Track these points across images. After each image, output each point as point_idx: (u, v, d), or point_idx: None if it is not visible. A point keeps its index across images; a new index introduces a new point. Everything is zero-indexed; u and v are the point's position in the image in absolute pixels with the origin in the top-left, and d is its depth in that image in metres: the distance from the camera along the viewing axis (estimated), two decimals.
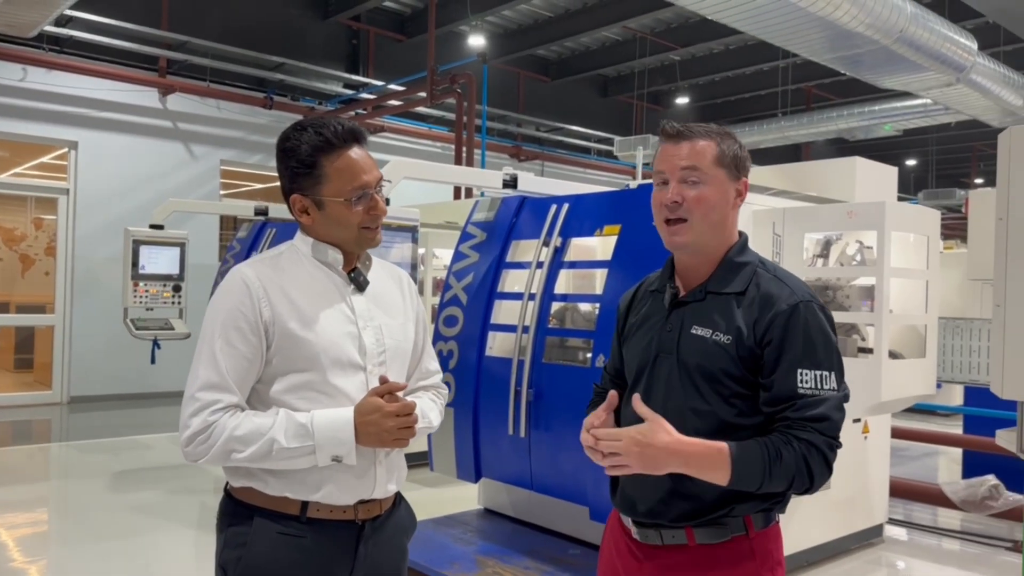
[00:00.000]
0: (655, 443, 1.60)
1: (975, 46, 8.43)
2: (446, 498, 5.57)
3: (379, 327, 1.92)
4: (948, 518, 5.64)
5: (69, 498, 6.07)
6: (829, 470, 1.64)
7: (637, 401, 1.68)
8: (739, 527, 1.72)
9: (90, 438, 8.01)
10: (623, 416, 1.81)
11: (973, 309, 6.07)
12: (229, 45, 10.89)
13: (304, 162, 1.82)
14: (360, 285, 1.92)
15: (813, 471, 1.61)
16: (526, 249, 4.51)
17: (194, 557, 4.88)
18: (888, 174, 5.19)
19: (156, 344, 7.21)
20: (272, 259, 1.91)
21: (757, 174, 5.02)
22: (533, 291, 4.21)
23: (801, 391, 1.64)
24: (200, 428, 1.74)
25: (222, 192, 11.58)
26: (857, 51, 7.59)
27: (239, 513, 1.85)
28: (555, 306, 4.33)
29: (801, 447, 1.60)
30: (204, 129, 11.05)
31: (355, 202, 1.84)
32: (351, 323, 1.87)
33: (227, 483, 1.90)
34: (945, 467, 7.61)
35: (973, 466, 6.11)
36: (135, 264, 7.12)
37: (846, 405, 1.71)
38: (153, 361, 7.25)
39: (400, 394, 1.84)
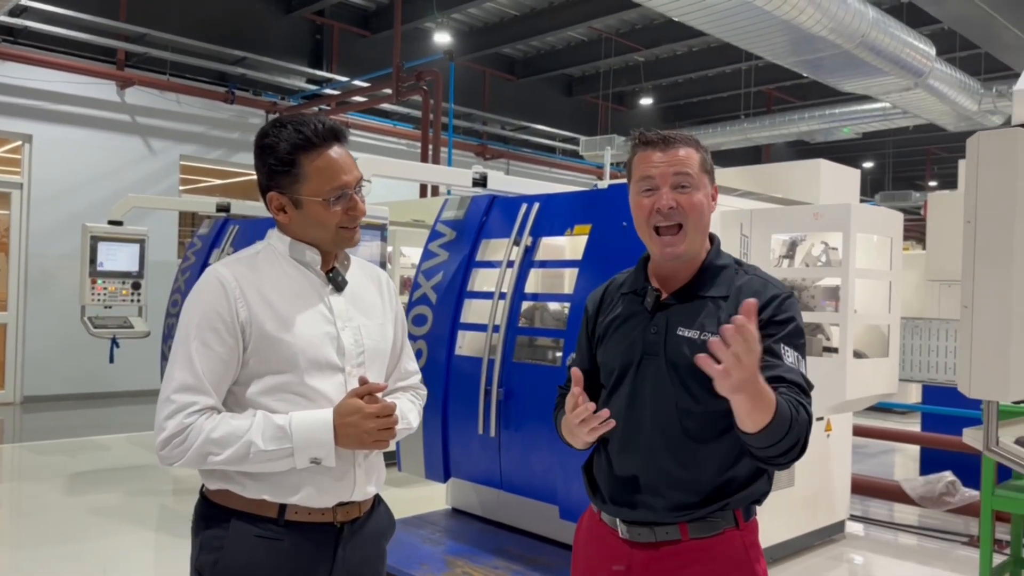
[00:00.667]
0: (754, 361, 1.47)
1: (933, 51, 8.62)
2: (413, 498, 5.54)
3: (358, 328, 1.90)
4: (906, 514, 5.76)
5: (23, 500, 5.91)
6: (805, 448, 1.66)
7: (728, 334, 1.47)
8: (730, 520, 1.75)
9: (45, 439, 7.81)
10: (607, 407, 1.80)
11: (931, 309, 6.21)
12: (189, 38, 10.71)
13: (282, 160, 1.80)
14: (338, 285, 1.90)
15: (806, 442, 1.63)
16: (496, 248, 4.50)
17: (153, 560, 4.79)
18: (851, 176, 5.28)
19: (115, 343, 7.05)
20: (248, 258, 1.88)
21: (724, 176, 5.07)
22: (504, 290, 4.20)
23: (788, 363, 1.68)
24: (176, 431, 1.71)
25: (181, 188, 11.38)
26: (820, 55, 7.72)
27: (215, 516, 1.81)
28: (524, 305, 4.33)
29: (804, 414, 1.61)
30: (163, 123, 10.84)
31: (333, 202, 1.82)
32: (329, 324, 1.85)
33: (203, 485, 1.86)
34: (901, 464, 7.77)
35: (931, 463, 6.25)
36: (93, 261, 6.94)
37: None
38: (112, 360, 7.09)
39: (379, 395, 1.82)
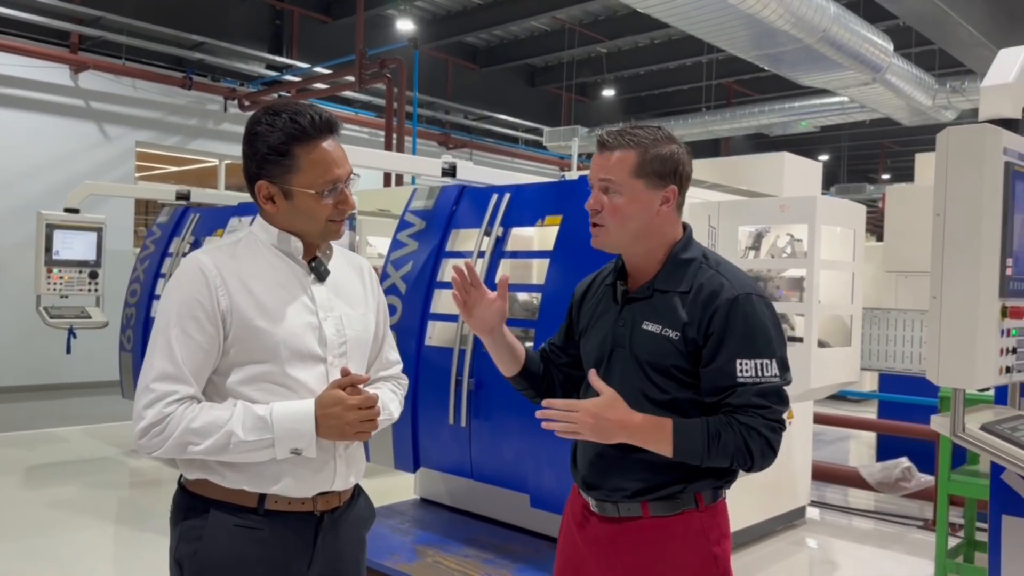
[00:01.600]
0: (608, 416, 1.74)
1: (891, 47, 8.79)
2: (380, 488, 5.49)
3: (340, 318, 1.89)
4: (862, 499, 5.91)
5: None
6: (773, 451, 1.76)
7: (594, 376, 1.80)
8: (690, 501, 1.83)
9: (1, 431, 7.61)
10: (584, 398, 1.88)
11: (888, 300, 6.36)
12: (146, 22, 10.47)
13: (276, 149, 1.77)
14: (320, 275, 1.89)
15: (753, 452, 1.73)
16: (466, 238, 4.49)
17: (112, 554, 4.72)
18: (813, 169, 5.38)
19: (72, 333, 6.90)
20: (229, 247, 1.85)
21: None
22: None
23: (741, 380, 1.74)
24: (155, 420, 1.69)
25: (137, 175, 11.15)
26: (781, 49, 7.83)
27: (194, 507, 1.80)
28: None
29: (742, 430, 1.72)
30: (119, 109, 10.60)
31: (325, 195, 1.80)
32: (311, 314, 1.84)
33: (180, 476, 1.85)
34: (856, 450, 7.96)
35: (886, 449, 6.41)
36: (48, 249, 6.77)
37: (789, 390, 1.82)
38: (69, 351, 6.93)
39: (361, 386, 1.82)
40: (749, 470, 1.77)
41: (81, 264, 6.96)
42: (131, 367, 6.68)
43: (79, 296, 7.01)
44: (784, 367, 1.80)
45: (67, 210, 6.98)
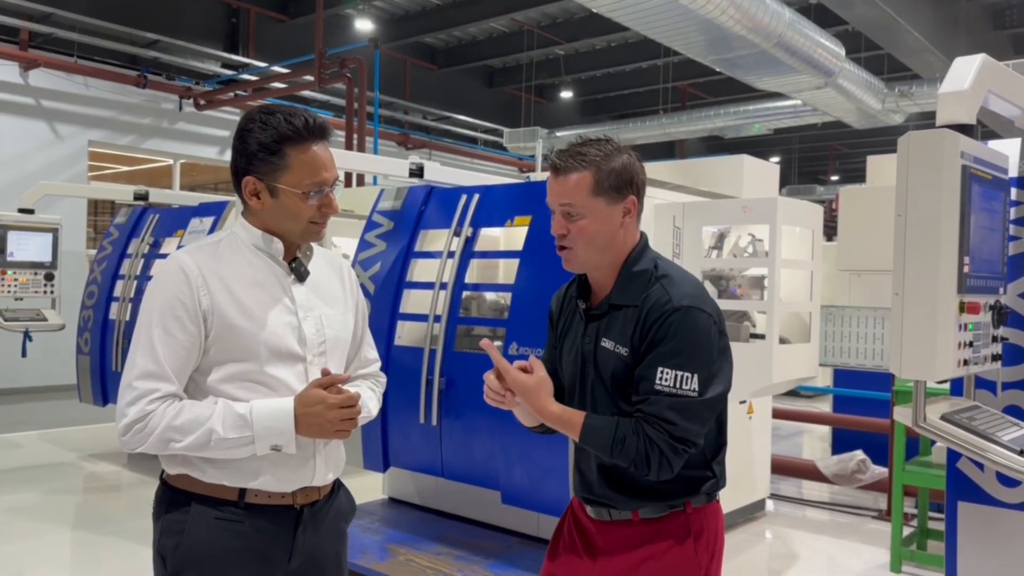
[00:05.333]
0: (527, 399, 1.86)
1: (843, 52, 9.04)
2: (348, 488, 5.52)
3: (319, 317, 1.93)
4: (818, 491, 6.08)
5: None
6: (671, 469, 1.75)
7: (533, 360, 1.90)
8: (678, 504, 1.87)
9: None
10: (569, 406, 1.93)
11: (841, 298, 6.55)
12: (98, 19, 10.27)
13: (267, 147, 1.81)
14: (300, 275, 1.93)
15: (651, 464, 1.74)
16: (435, 239, 4.53)
17: (71, 560, 4.65)
18: (771, 171, 5.53)
19: (27, 336, 6.74)
20: (211, 247, 1.89)
21: (654, 170, 5.23)
22: (445, 280, 4.24)
23: (658, 387, 1.74)
24: (137, 417, 1.74)
25: (90, 175, 10.92)
26: (738, 53, 8.00)
27: (176, 500, 1.84)
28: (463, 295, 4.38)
29: (644, 442, 1.74)
30: (70, 107, 10.38)
31: (311, 196, 1.84)
32: (291, 314, 1.88)
33: (162, 471, 1.89)
34: (810, 444, 8.17)
35: (842, 443, 6.59)
36: (2, 251, 6.61)
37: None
38: (24, 354, 6.77)
39: (341, 384, 1.85)
40: (645, 477, 1.77)
41: (36, 266, 6.82)
42: (88, 370, 6.56)
43: (34, 298, 6.86)
44: (707, 383, 1.76)
45: (22, 210, 6.83)
